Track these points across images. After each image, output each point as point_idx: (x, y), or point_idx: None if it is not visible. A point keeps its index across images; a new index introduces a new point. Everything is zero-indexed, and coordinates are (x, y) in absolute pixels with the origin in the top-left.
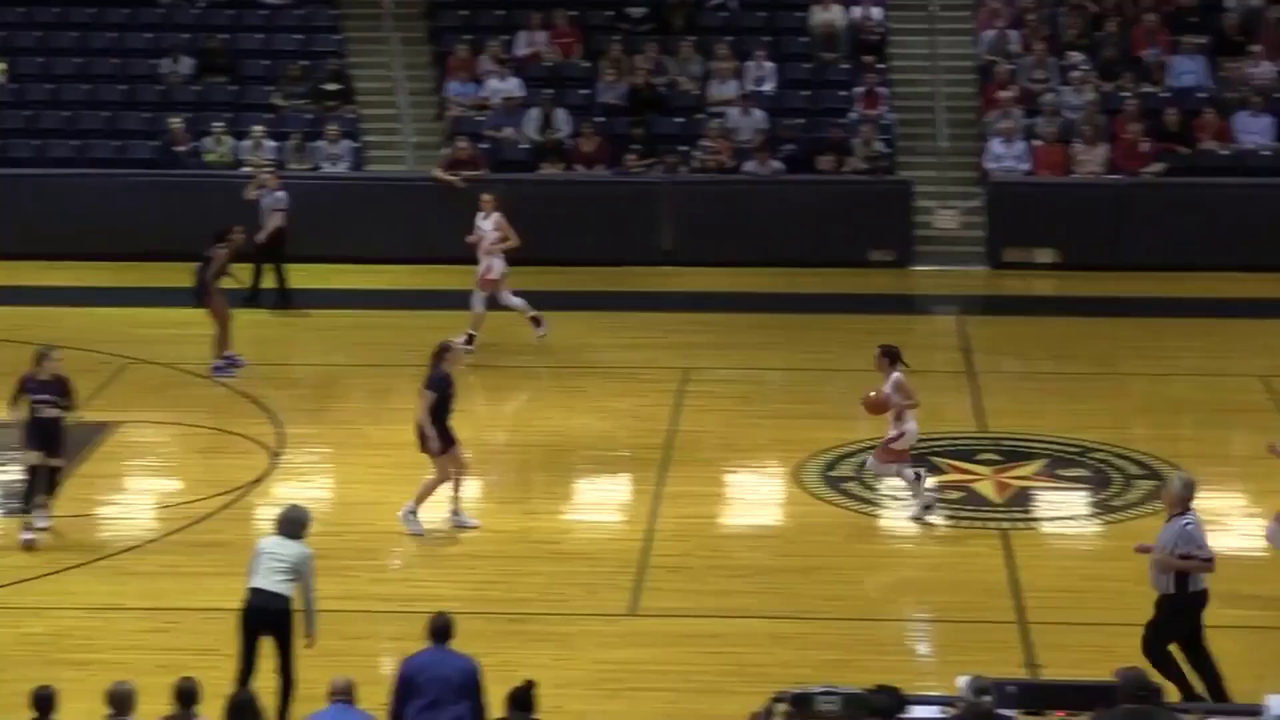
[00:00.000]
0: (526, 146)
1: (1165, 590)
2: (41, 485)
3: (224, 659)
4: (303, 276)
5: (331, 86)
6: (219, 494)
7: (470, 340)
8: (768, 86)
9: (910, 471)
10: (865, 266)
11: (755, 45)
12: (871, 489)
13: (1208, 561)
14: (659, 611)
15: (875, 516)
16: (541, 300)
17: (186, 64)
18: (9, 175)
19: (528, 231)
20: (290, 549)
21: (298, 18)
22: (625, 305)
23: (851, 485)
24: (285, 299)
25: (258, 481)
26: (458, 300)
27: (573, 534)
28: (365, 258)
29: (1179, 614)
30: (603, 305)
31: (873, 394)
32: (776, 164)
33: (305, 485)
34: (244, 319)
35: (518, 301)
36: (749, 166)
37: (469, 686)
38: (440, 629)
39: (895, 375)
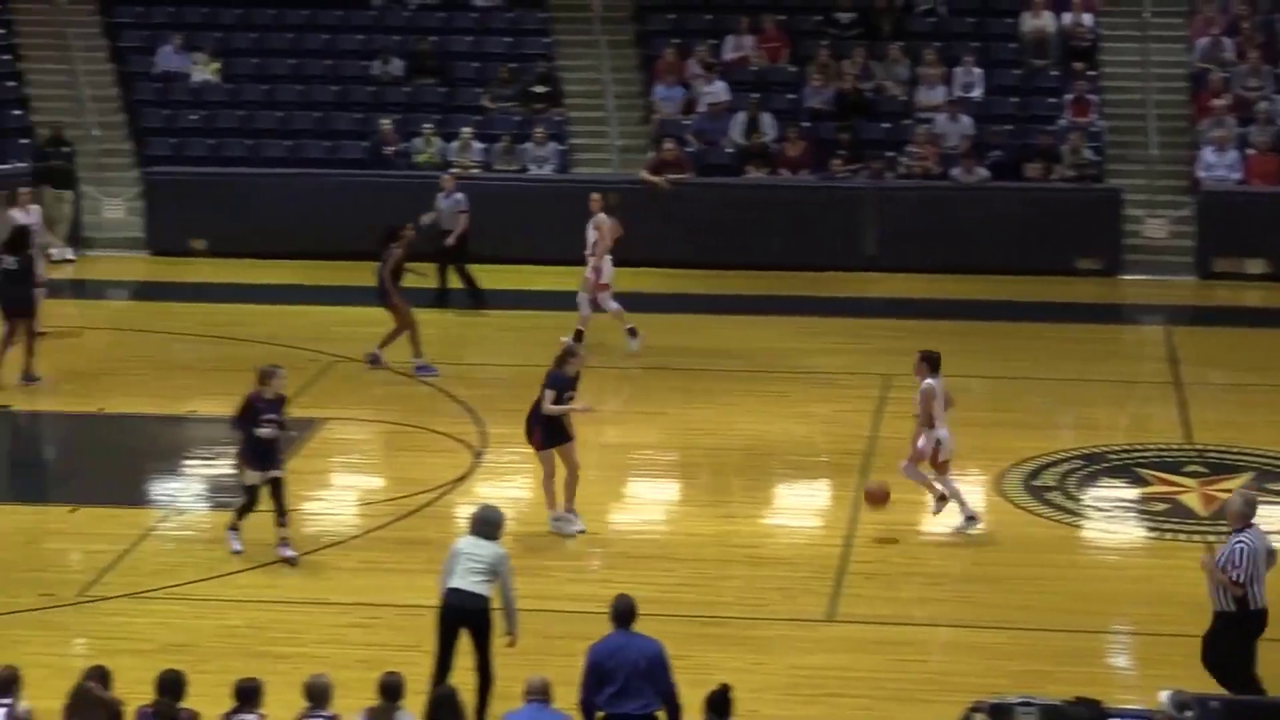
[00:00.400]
0: (732, 150)
1: (1224, 607)
2: (273, 506)
3: (424, 655)
4: (508, 278)
5: (540, 89)
6: (421, 492)
7: (578, 338)
8: (976, 92)
9: (951, 486)
10: (1072, 275)
11: (964, 51)
12: (1075, 499)
13: (1236, 584)
14: (856, 618)
15: (1077, 527)
16: (743, 304)
17: (397, 66)
18: (224, 174)
19: (731, 236)
20: (486, 549)
21: (508, 21)
22: (827, 310)
23: (1054, 495)
24: (476, 299)
25: (460, 480)
26: (662, 303)
27: (771, 538)
28: (571, 260)
29: (1233, 631)
30: (805, 310)
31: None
32: (983, 171)
33: (506, 484)
34: (442, 320)
35: (614, 306)
36: (955, 173)
37: (656, 669)
38: (624, 612)
39: (927, 382)
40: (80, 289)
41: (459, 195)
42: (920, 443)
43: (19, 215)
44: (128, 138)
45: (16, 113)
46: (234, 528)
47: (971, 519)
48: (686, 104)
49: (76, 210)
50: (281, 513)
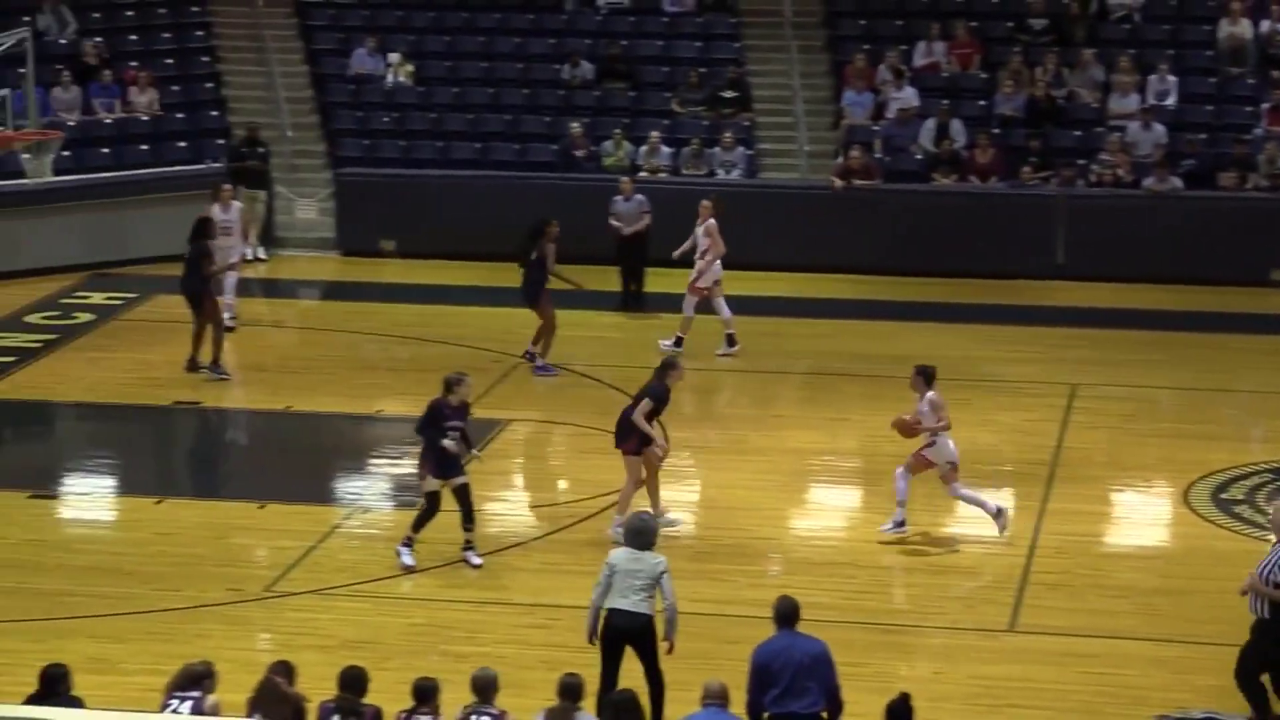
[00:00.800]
0: (921, 157)
1: (1260, 614)
2: (460, 514)
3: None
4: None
5: (728, 94)
6: (603, 494)
7: (678, 343)
8: (1170, 100)
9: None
10: (1266, 286)
11: (1158, 58)
12: (1264, 513)
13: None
14: (1038, 628)
15: (1266, 541)
16: (930, 311)
17: (587, 69)
18: (414, 176)
19: (919, 243)
20: (644, 562)
21: (697, 25)
22: (1015, 319)
23: (1243, 509)
24: (637, 301)
25: (640, 483)
26: (849, 309)
27: (954, 547)
28: (758, 264)
29: (1267, 639)
30: (992, 318)
31: (906, 417)
32: (1176, 180)
33: (686, 488)
34: (626, 323)
35: (727, 313)
36: (1147, 182)
37: (821, 668)
38: (787, 613)
39: (930, 395)
40: (272, 288)
41: (640, 197)
42: (928, 454)
43: (218, 211)
44: (320, 139)
45: (214, 114)
46: (408, 541)
47: (900, 525)
48: (876, 110)
49: (269, 210)
50: (469, 517)
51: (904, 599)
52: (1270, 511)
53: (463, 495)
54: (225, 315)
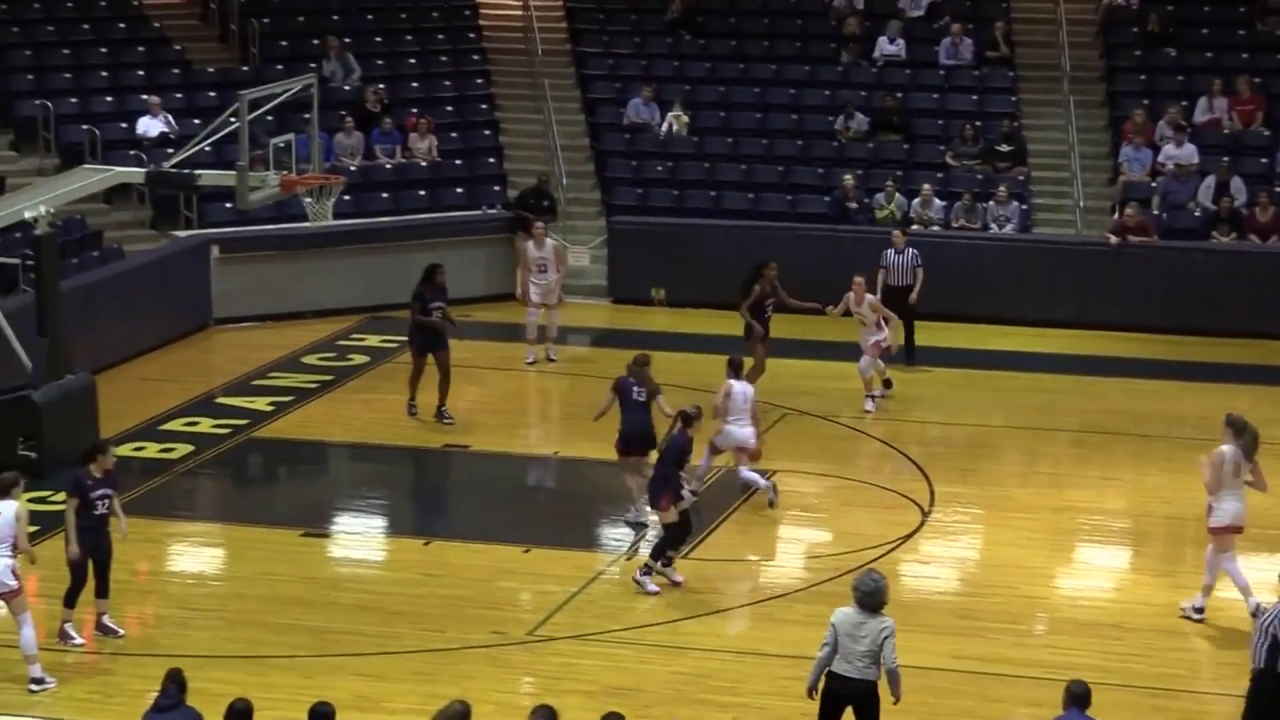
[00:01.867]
0: (1199, 214)
1: (1256, 664)
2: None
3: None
4: (967, 336)
5: (1004, 147)
6: (867, 548)
7: (888, 384)
8: None
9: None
10: None
11: None
12: None
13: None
14: None
15: None
16: (1206, 371)
17: (861, 121)
18: (687, 225)
19: (1196, 301)
20: (870, 626)
21: (974, 78)
22: None
23: None
24: (908, 355)
25: (907, 538)
26: (1124, 367)
27: (1224, 611)
28: (1031, 320)
29: (1260, 691)
30: (1270, 379)
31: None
32: None
33: (952, 544)
34: (901, 376)
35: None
36: None
37: None
38: (1080, 696)
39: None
40: (544, 333)
41: (913, 250)
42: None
43: (532, 248)
44: (595, 187)
45: (491, 160)
46: (647, 570)
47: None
48: (1154, 167)
49: None
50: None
51: (1173, 662)
52: None
53: (684, 515)
54: (541, 353)
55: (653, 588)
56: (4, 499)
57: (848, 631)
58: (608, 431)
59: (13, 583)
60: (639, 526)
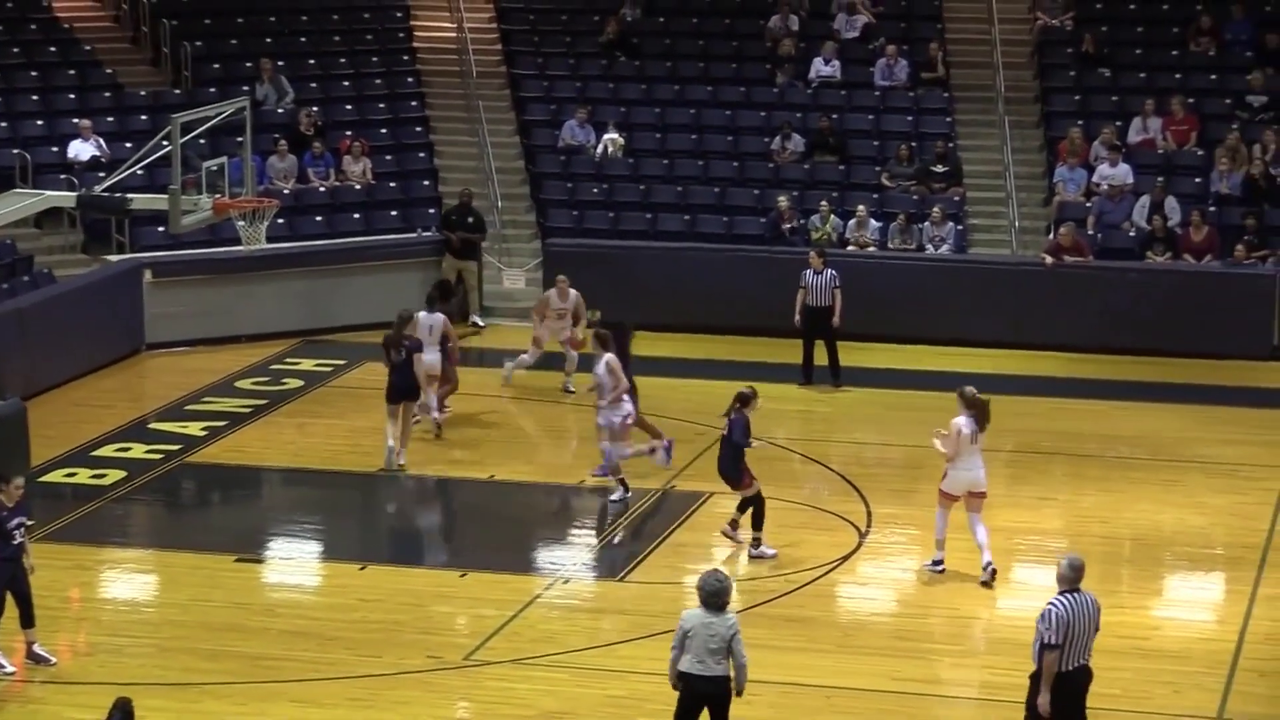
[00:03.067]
0: (1134, 234)
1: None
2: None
3: None
4: (906, 357)
5: (939, 168)
6: (805, 569)
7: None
8: None
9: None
10: None
11: None
12: None
13: (1049, 647)
14: (1247, 717)
15: None
16: (1141, 391)
17: (797, 142)
18: (623, 247)
19: (1130, 321)
20: (719, 625)
21: (909, 99)
22: (1228, 400)
23: None
24: (836, 376)
25: (845, 559)
26: (1059, 387)
27: (1161, 630)
28: (965, 340)
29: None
30: (1204, 399)
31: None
32: None
33: (890, 565)
34: (834, 398)
35: None
36: None
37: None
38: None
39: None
40: (479, 357)
41: (831, 272)
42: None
43: (555, 298)
44: (530, 210)
45: (425, 183)
46: (758, 541)
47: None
48: (1089, 187)
49: (480, 279)
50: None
51: (1109, 682)
52: None
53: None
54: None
55: (770, 551)
56: None
57: (698, 632)
58: (544, 453)
59: None
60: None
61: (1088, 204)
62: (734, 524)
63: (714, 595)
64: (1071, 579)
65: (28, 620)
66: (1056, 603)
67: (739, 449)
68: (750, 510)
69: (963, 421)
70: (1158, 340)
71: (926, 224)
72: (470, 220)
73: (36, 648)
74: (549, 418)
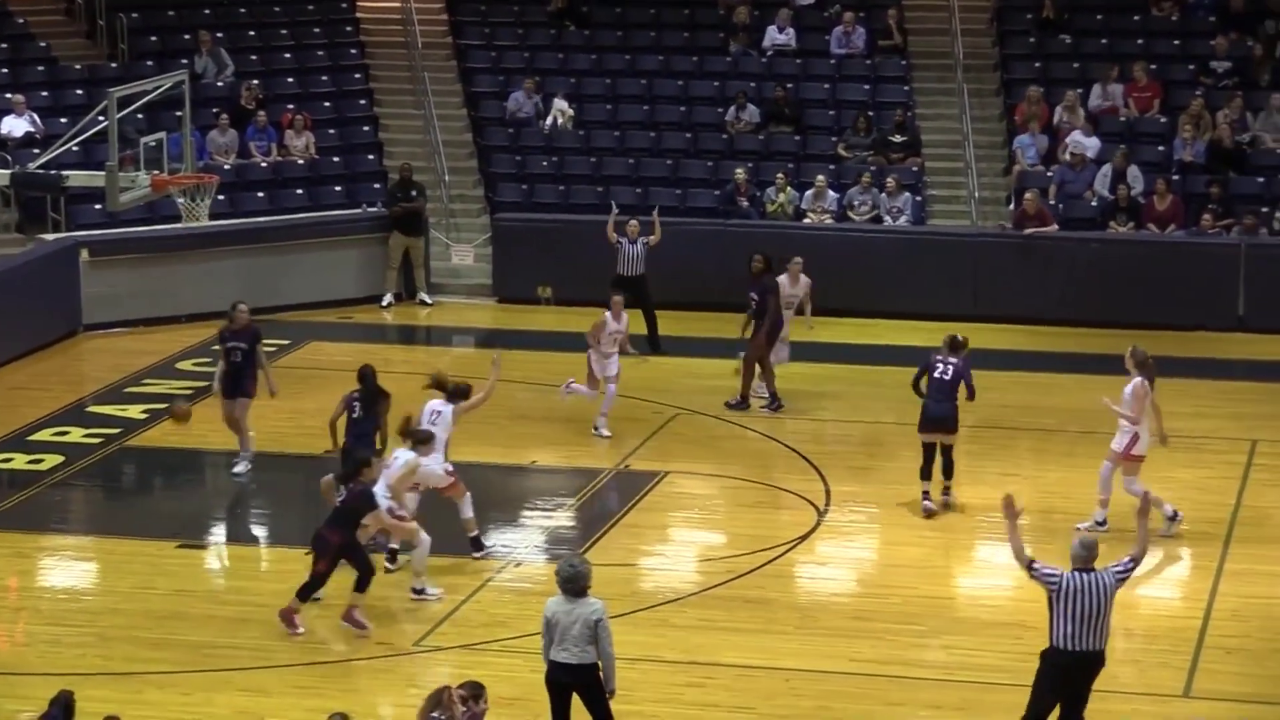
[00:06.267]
0: (1096, 204)
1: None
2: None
3: (759, 718)
4: (864, 331)
5: (897, 138)
6: (763, 549)
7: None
8: None
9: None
10: None
11: None
12: None
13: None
14: (1213, 694)
15: None
16: (1104, 364)
17: (752, 113)
18: (574, 222)
19: (1094, 292)
20: (581, 609)
21: (867, 68)
22: (1193, 372)
23: None
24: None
25: (803, 539)
26: (1022, 360)
27: (1126, 608)
28: (925, 314)
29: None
30: (1169, 371)
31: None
32: None
33: (849, 544)
34: (788, 372)
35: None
36: None
37: None
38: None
39: (1135, 380)
40: (427, 335)
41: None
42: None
43: (610, 320)
44: (478, 184)
45: (370, 157)
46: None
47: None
48: (1050, 156)
49: (426, 256)
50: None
51: None
52: None
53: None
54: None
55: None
56: None
57: (560, 619)
58: (494, 435)
59: None
60: None
61: (1049, 173)
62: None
63: (570, 581)
64: (1084, 558)
65: None
66: (1067, 574)
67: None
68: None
69: (1139, 382)
70: (1121, 312)
71: (884, 195)
72: (413, 194)
73: None
74: (498, 397)
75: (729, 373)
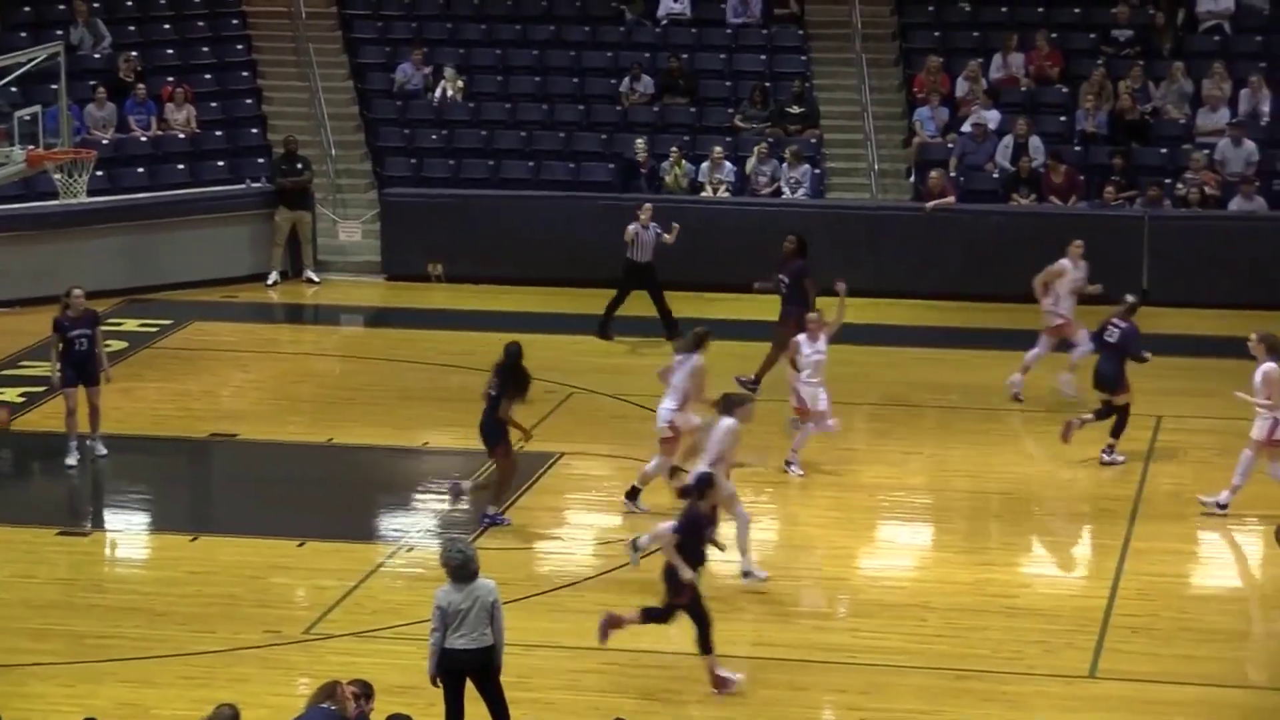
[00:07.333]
0: (998, 176)
1: None
2: None
3: (660, 704)
4: (760, 307)
5: (795, 109)
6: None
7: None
8: (1263, 116)
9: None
10: None
11: (1249, 71)
12: None
13: None
14: (1120, 674)
15: None
16: (1006, 339)
17: (647, 84)
18: (464, 196)
19: (996, 266)
20: (474, 593)
21: (763, 37)
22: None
23: None
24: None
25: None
26: (921, 336)
27: (1031, 588)
28: (825, 289)
29: None
30: (1072, 346)
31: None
32: (1261, 200)
33: (756, 528)
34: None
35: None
36: (1236, 202)
37: None
38: None
39: (1266, 365)
40: (314, 314)
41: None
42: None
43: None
44: (365, 158)
45: (254, 131)
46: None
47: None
48: (950, 127)
49: (314, 232)
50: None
51: (978, 643)
52: None
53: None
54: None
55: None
56: None
57: (455, 606)
58: (384, 416)
59: None
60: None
61: (949, 144)
62: None
63: (461, 568)
64: None
65: None
66: None
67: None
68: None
69: (1271, 367)
70: (1023, 286)
71: (783, 165)
72: (299, 167)
73: None
74: (387, 377)
75: (621, 352)
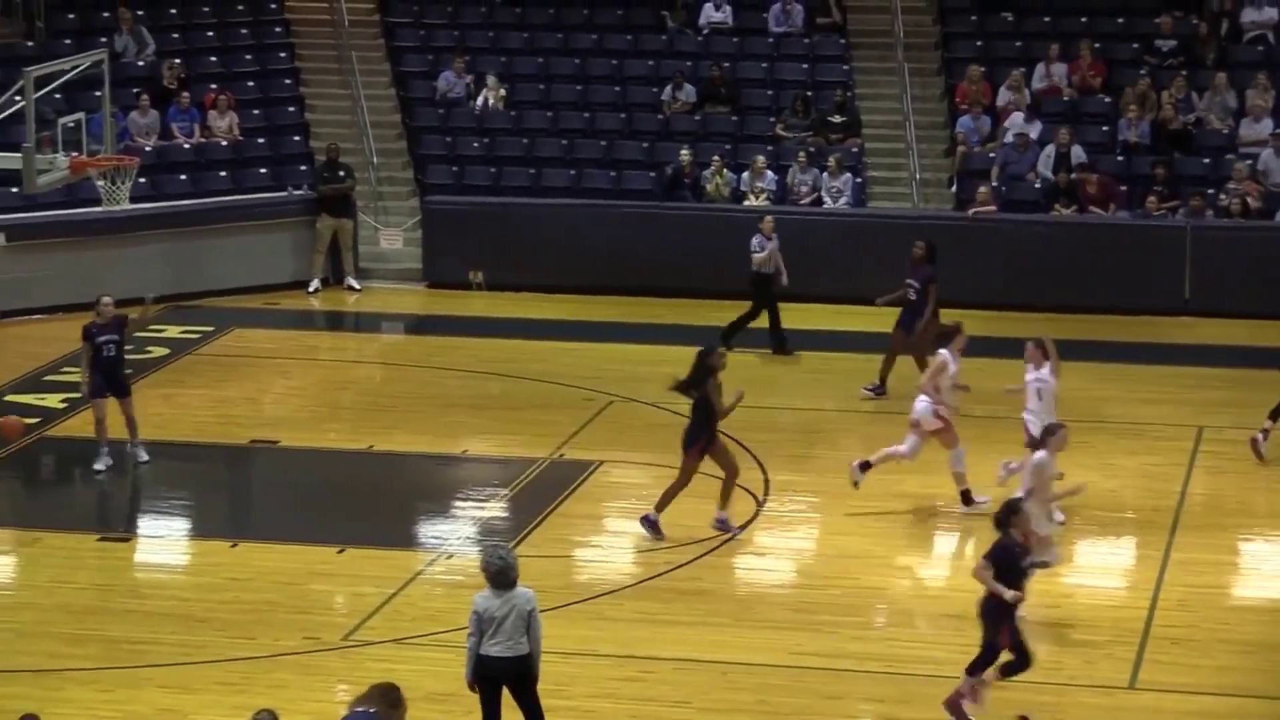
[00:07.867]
0: (1039, 186)
1: None
2: None
3: (698, 712)
4: (803, 316)
5: (837, 118)
6: (698, 540)
7: None
8: None
9: None
10: None
11: None
12: None
13: None
14: (1159, 686)
15: None
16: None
17: (688, 92)
18: (505, 204)
19: (1037, 276)
20: (512, 600)
21: (805, 46)
22: (1139, 357)
23: None
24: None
25: (742, 529)
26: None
27: (1072, 599)
28: (867, 298)
29: None
30: (1115, 356)
31: None
32: None
33: (789, 535)
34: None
35: None
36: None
37: None
38: None
39: None
40: (355, 321)
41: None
42: None
43: (1030, 374)
44: (407, 166)
45: (296, 139)
46: None
47: None
48: (992, 136)
49: (355, 240)
50: None
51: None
52: None
53: None
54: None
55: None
56: None
57: (496, 613)
58: (424, 423)
59: None
60: None
61: (991, 155)
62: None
63: (499, 574)
64: None
65: None
66: None
67: None
68: None
69: None
70: (1065, 296)
71: (824, 175)
72: (341, 175)
73: None
74: (427, 384)
75: (662, 360)
